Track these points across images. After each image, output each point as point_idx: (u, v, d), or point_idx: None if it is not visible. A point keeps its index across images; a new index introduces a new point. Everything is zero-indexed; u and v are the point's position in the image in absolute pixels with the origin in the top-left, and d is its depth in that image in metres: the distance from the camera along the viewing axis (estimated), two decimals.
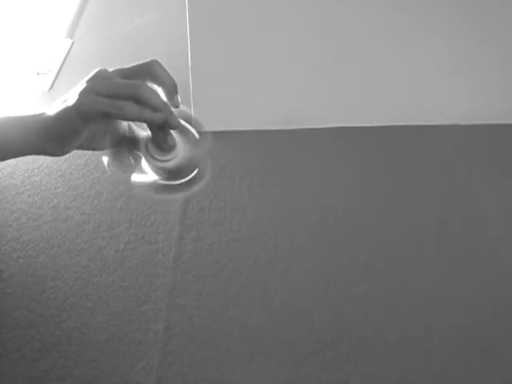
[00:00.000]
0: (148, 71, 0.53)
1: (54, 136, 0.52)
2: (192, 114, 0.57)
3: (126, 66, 0.54)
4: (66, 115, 0.51)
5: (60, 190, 1.45)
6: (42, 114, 0.53)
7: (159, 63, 0.54)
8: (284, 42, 1.49)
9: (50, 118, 0.52)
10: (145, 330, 1.16)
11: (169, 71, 0.54)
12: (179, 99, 0.55)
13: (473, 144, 1.57)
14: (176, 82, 0.54)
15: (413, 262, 1.28)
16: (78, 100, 0.51)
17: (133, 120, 0.53)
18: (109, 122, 0.55)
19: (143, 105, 0.51)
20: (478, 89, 1.58)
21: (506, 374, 1.08)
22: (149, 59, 0.54)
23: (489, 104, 1.59)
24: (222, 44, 1.49)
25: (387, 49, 1.51)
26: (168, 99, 0.54)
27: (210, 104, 1.58)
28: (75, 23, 2.11)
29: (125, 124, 0.58)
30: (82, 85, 0.52)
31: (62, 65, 1.90)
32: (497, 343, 1.13)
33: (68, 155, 1.54)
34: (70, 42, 2.00)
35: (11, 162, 1.53)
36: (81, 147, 0.55)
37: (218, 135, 1.59)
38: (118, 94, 0.50)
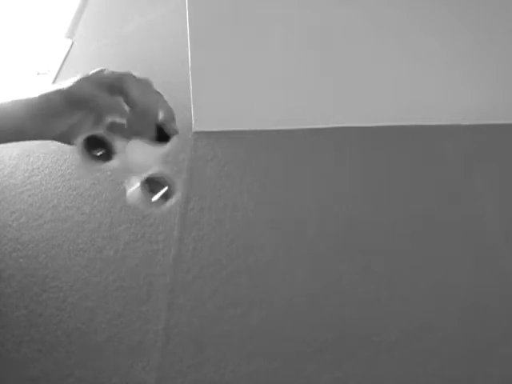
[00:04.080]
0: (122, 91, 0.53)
1: (36, 113, 0.55)
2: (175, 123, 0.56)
3: (106, 80, 0.55)
4: (54, 95, 0.54)
5: (60, 190, 1.45)
6: (33, 95, 0.56)
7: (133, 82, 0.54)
8: (284, 42, 1.49)
9: (38, 96, 0.55)
10: (145, 330, 1.16)
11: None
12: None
13: (473, 144, 1.57)
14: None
15: (413, 262, 1.28)
16: (69, 84, 0.54)
17: (103, 110, 0.54)
18: (89, 117, 0.57)
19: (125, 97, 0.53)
20: (478, 89, 1.58)
21: (506, 373, 1.08)
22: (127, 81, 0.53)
23: (489, 104, 1.59)
24: (222, 44, 1.49)
25: (387, 49, 1.51)
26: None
27: (209, 104, 1.58)
28: (75, 23, 2.11)
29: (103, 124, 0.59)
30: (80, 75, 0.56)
31: (62, 65, 1.90)
32: (497, 343, 1.13)
33: (68, 155, 1.54)
34: (69, 42, 2.00)
35: (11, 161, 1.53)
36: (60, 137, 0.57)
37: (218, 135, 1.59)
38: (107, 85, 0.53)
